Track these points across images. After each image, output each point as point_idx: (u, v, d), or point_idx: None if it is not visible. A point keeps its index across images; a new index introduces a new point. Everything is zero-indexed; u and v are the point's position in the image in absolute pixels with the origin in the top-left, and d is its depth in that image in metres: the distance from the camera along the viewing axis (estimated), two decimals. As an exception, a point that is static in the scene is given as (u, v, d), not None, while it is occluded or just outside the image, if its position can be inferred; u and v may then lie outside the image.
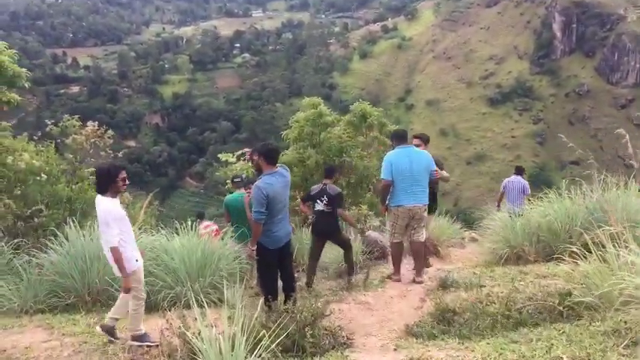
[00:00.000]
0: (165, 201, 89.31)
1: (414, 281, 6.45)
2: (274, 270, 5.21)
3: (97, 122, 10.37)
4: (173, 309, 5.01)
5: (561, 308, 4.28)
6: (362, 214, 9.54)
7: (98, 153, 9.70)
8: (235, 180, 7.46)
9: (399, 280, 6.52)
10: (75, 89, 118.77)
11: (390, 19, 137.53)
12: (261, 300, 4.39)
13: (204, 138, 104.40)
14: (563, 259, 4.89)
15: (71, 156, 9.56)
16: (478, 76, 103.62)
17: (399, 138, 6.49)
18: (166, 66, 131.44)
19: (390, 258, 6.97)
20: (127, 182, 4.62)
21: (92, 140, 9.76)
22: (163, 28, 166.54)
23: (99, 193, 4.48)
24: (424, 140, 7.05)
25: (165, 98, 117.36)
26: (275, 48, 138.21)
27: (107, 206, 4.37)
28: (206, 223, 8.38)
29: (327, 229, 6.62)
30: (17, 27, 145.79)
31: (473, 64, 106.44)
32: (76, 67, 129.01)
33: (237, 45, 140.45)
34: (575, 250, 4.62)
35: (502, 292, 4.99)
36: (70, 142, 9.59)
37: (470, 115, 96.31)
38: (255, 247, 5.13)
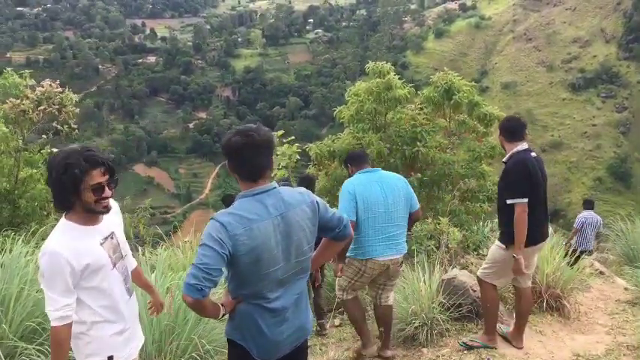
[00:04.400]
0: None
1: (378, 357, 4.42)
2: None
3: (57, 81, 7.27)
4: None
5: None
6: (440, 230, 6.44)
7: (54, 128, 6.77)
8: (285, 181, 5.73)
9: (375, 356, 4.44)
10: (152, 59, 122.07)
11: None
12: None
13: (273, 112, 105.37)
14: None
15: (7, 129, 6.57)
16: (560, 60, 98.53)
17: (357, 159, 4.53)
18: (239, 40, 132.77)
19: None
20: (110, 193, 2.43)
21: (46, 108, 6.64)
22: (239, 2, 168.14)
23: (59, 210, 2.52)
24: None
25: (237, 72, 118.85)
26: (348, 24, 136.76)
27: (56, 247, 2.31)
28: None
29: None
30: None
31: (555, 46, 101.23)
32: (154, 38, 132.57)
33: (311, 20, 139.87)
34: None
35: None
36: (8, 109, 6.52)
37: (548, 100, 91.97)
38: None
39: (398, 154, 8.14)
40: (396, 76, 8.31)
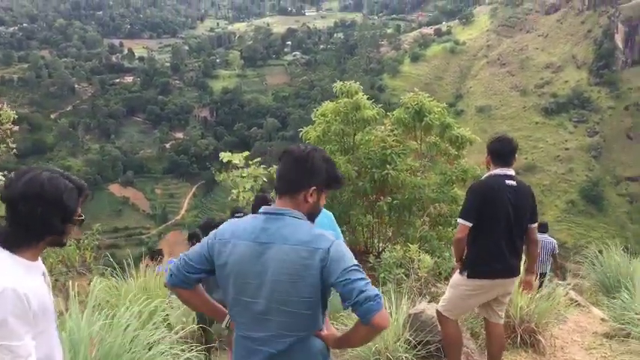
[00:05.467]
0: (209, 194, 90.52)
1: None
2: None
3: None
4: None
5: None
6: (410, 257, 6.07)
7: None
8: (236, 216, 5.28)
9: None
10: (129, 79, 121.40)
11: (444, 22, 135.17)
12: None
13: (251, 133, 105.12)
14: None
15: None
16: (533, 85, 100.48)
17: (258, 207, 4.17)
18: (218, 61, 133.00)
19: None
20: (80, 221, 2.09)
21: None
22: (217, 24, 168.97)
23: (14, 244, 1.97)
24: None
25: (214, 92, 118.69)
26: (326, 47, 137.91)
27: (14, 284, 1.87)
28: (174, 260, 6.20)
29: None
30: (78, 16, 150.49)
31: (528, 71, 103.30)
32: (132, 58, 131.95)
33: (289, 43, 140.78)
34: None
35: None
36: None
37: (522, 123, 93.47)
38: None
39: (367, 177, 7.84)
40: (365, 96, 8.05)
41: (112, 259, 5.36)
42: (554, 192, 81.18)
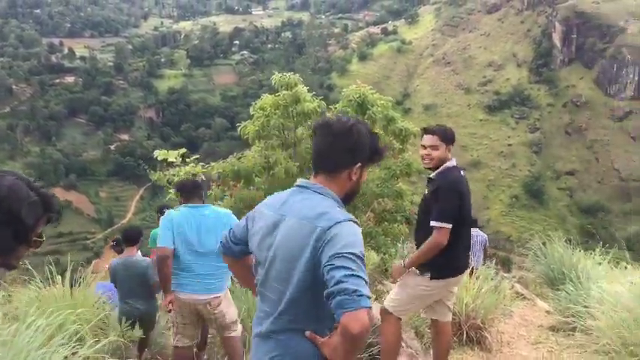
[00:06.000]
0: (157, 196, 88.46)
1: None
2: None
3: None
4: None
5: None
6: None
7: None
8: (163, 212, 5.30)
9: None
10: (70, 80, 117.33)
11: (390, 22, 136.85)
12: None
13: (199, 134, 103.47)
14: None
15: None
16: (476, 83, 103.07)
17: (186, 192, 4.37)
18: (163, 60, 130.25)
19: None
20: (37, 243, 1.68)
21: None
22: (162, 22, 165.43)
23: None
24: (443, 137, 3.88)
25: (160, 92, 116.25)
26: (274, 47, 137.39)
27: None
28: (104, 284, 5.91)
29: None
30: (15, 14, 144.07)
31: (472, 70, 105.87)
32: (72, 58, 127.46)
33: (236, 42, 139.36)
34: None
35: None
36: None
37: (467, 121, 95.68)
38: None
39: (309, 173, 7.35)
40: (305, 88, 7.63)
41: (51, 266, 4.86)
42: (499, 187, 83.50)
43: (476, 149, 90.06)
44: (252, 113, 7.72)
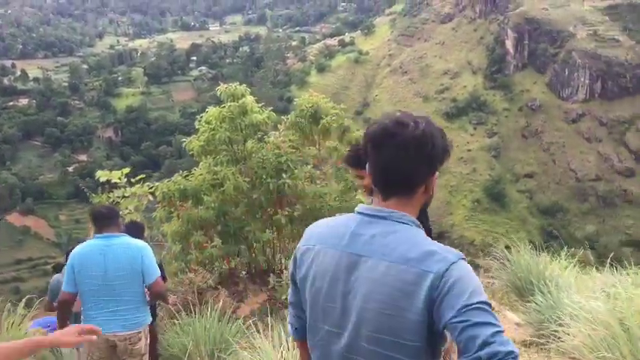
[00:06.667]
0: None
1: None
2: None
3: None
4: None
5: None
6: None
7: None
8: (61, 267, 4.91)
9: None
10: (24, 102, 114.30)
11: (347, 33, 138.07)
12: None
13: (160, 152, 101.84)
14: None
15: None
16: (434, 91, 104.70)
17: (97, 220, 4.04)
18: (120, 79, 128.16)
19: None
20: None
21: None
22: (117, 41, 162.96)
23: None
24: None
25: (118, 111, 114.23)
26: (232, 61, 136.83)
27: None
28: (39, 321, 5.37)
29: None
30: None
31: (429, 78, 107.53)
32: (25, 79, 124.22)
33: (194, 58, 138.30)
34: None
35: None
36: None
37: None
38: None
39: (262, 189, 7.00)
40: (253, 98, 7.24)
41: None
42: (461, 192, 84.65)
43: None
44: (197, 127, 7.32)
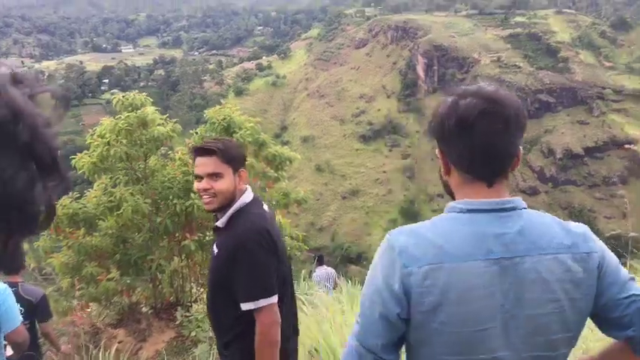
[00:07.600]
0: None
1: None
2: None
3: None
4: None
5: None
6: None
7: None
8: None
9: None
10: None
11: (264, 57, 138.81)
12: None
13: (70, 177, 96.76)
14: None
15: None
16: (350, 114, 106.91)
17: None
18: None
19: None
20: None
21: None
22: (22, 62, 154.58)
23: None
24: (227, 158, 2.49)
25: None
26: (147, 84, 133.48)
27: None
28: None
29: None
30: None
31: (345, 102, 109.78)
32: None
33: (106, 80, 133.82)
34: None
35: None
36: None
37: (344, 151, 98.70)
38: None
39: (167, 212, 6.16)
40: (154, 109, 6.38)
41: None
42: (378, 213, 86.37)
43: (354, 177, 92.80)
44: (88, 142, 6.39)
